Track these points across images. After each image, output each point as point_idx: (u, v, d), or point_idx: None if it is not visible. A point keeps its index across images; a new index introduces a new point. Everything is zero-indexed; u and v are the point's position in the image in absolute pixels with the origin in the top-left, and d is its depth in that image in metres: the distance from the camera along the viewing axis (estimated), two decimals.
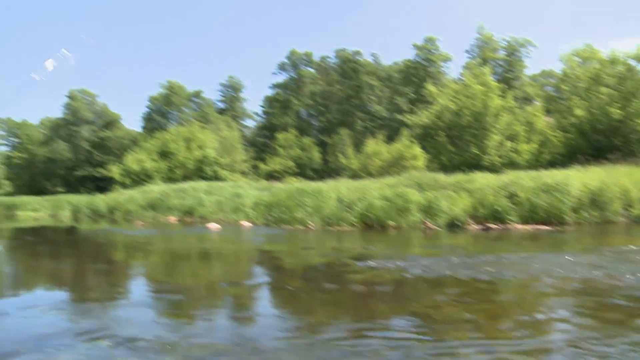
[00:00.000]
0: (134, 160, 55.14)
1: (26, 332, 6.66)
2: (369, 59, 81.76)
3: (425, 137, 43.50)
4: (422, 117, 44.00)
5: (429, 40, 73.67)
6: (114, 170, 55.77)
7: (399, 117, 63.63)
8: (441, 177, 26.41)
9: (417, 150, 43.11)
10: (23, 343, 6.09)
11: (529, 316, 7.26)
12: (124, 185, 51.91)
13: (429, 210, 22.35)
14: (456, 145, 40.12)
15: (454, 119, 40.15)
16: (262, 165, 65.49)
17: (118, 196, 41.70)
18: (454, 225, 21.14)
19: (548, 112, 43.58)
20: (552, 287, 8.89)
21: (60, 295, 10.11)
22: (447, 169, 35.01)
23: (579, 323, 6.82)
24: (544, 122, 41.21)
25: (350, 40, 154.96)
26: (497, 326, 6.81)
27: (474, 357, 5.38)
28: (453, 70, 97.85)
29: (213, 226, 25.27)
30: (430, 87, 44.61)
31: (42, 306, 8.14)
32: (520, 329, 6.60)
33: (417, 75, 72.30)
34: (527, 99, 62.07)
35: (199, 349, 5.83)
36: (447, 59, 75.59)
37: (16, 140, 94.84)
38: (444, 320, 7.10)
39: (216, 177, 52.19)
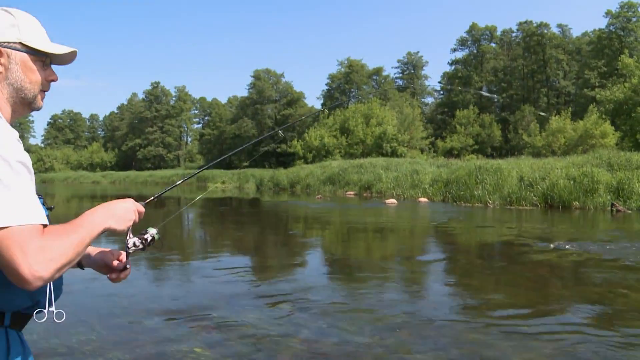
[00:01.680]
0: (315, 136, 57.28)
1: (217, 291, 7.51)
2: (556, 31, 77.08)
3: (618, 114, 40.55)
4: (616, 91, 40.99)
5: (627, 5, 67.18)
6: (297, 146, 58.33)
7: (588, 92, 59.64)
8: (635, 156, 24.64)
9: (608, 127, 40.19)
10: (216, 300, 6.90)
11: None
12: (305, 160, 54.23)
13: (619, 191, 21.01)
14: None
15: None
16: (440, 143, 64.92)
17: (299, 171, 43.77)
18: None
19: None
20: None
21: (244, 260, 11.15)
22: None
23: None
24: None
25: (536, 12, 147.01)
26: None
27: None
28: None
29: (390, 201, 25.73)
30: (627, 59, 41.33)
31: (230, 270, 9.09)
32: None
33: (610, 46, 66.76)
34: None
35: (373, 320, 6.12)
36: None
37: (208, 118, 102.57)
38: (627, 308, 6.74)
39: (394, 154, 52.68)
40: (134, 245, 1.81)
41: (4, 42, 1.54)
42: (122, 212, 1.63)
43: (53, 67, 1.69)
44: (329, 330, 5.62)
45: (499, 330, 5.63)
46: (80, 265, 1.84)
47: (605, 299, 7.20)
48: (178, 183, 2.38)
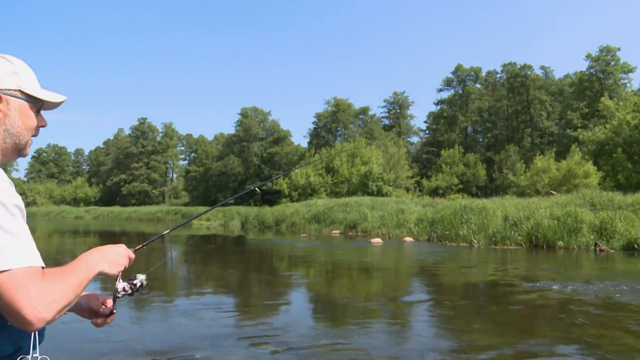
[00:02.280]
0: (301, 174, 57.43)
1: (201, 331, 7.45)
2: (539, 73, 78.58)
3: (600, 154, 41.10)
4: (597, 132, 41.63)
5: (606, 50, 68.58)
6: (282, 184, 58.43)
7: (571, 132, 60.48)
8: (617, 196, 24.91)
9: (590, 167, 40.67)
10: (199, 341, 6.85)
11: None
12: (291, 199, 54.25)
13: (602, 231, 21.17)
14: (635, 162, 37.44)
15: (634, 134, 37.51)
16: (426, 182, 65.27)
17: (284, 209, 43.74)
18: (631, 249, 19.79)
19: None
20: None
21: (228, 300, 11.05)
22: (623, 187, 32.83)
23: None
24: None
25: (519, 54, 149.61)
26: None
27: None
28: (635, 81, 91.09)
29: (376, 241, 25.74)
30: (607, 101, 42.10)
31: (214, 309, 9.05)
32: None
33: (591, 88, 67.94)
34: None
35: (358, 359, 6.12)
36: (628, 70, 70.01)
37: (194, 154, 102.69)
38: (612, 349, 6.77)
39: (380, 193, 52.86)
40: (124, 290, 1.84)
41: (5, 89, 1.58)
42: (114, 257, 1.67)
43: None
44: None
45: None
46: None
47: (591, 339, 7.21)
48: (172, 228, 2.44)
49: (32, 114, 1.64)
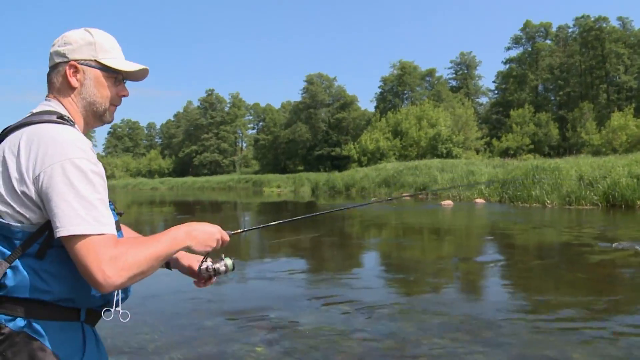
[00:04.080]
0: (369, 139, 57.27)
1: (275, 293, 7.64)
2: (616, 24, 74.82)
3: None
4: None
5: None
6: (351, 149, 58.45)
7: None
8: None
9: None
10: (274, 301, 7.01)
11: None
12: (360, 163, 54.27)
13: None
14: None
15: None
16: (496, 143, 63.89)
17: (354, 174, 43.83)
18: None
19: None
20: None
21: (301, 263, 11.21)
22: None
23: None
24: None
25: (593, 6, 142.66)
26: None
27: None
28: None
29: (446, 203, 25.57)
30: None
31: (287, 272, 9.23)
32: None
33: None
34: None
35: (428, 318, 6.16)
36: None
37: (262, 123, 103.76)
38: None
39: (449, 155, 52.22)
40: (207, 270, 1.90)
41: (81, 60, 1.68)
42: (205, 237, 1.73)
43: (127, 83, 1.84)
44: (387, 330, 5.65)
45: (559, 331, 5.56)
46: (167, 266, 1.97)
47: None
48: (283, 222, 2.43)
49: (108, 83, 1.73)
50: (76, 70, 1.69)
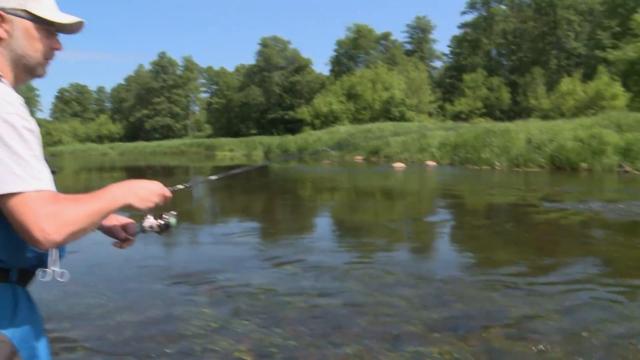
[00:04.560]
0: (323, 102, 57.08)
1: (225, 255, 7.62)
2: None
3: (629, 74, 40.01)
4: (628, 51, 40.42)
5: None
6: (304, 113, 58.23)
7: (599, 53, 58.84)
8: None
9: (618, 88, 39.68)
10: (223, 264, 6.98)
11: None
12: (313, 127, 54.16)
13: (627, 152, 20.90)
14: None
15: None
16: (448, 106, 64.47)
17: (307, 137, 43.84)
18: None
19: None
20: None
21: (252, 225, 11.14)
22: None
23: None
24: None
25: None
26: None
27: None
28: None
29: (398, 165, 25.75)
30: None
31: (238, 234, 9.18)
32: None
33: (624, 5, 65.11)
34: None
35: (378, 277, 6.21)
36: None
37: (215, 87, 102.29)
38: (633, 265, 6.82)
39: (403, 118, 52.48)
40: (150, 227, 1.85)
41: (9, 9, 1.55)
42: (145, 193, 1.66)
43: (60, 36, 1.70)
44: (336, 290, 5.68)
45: (504, 287, 5.68)
46: None
47: (610, 256, 7.29)
48: (221, 176, 2.39)
49: (40, 35, 1.60)
50: (3, 20, 1.56)
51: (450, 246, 8.61)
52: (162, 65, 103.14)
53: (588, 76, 48.76)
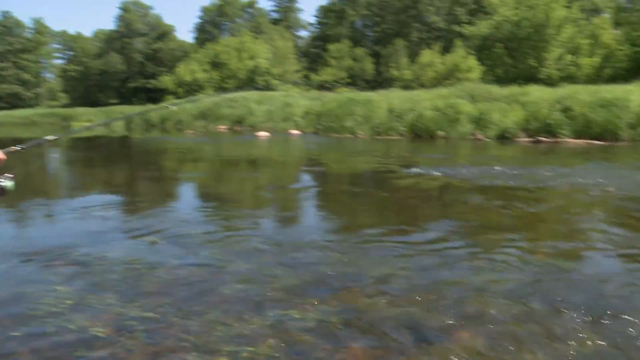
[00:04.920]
0: (186, 71, 55.49)
1: (82, 229, 6.98)
2: None
3: (482, 49, 42.20)
4: (481, 27, 42.56)
5: None
6: (167, 81, 56.35)
7: (457, 28, 61.63)
8: (495, 89, 25.79)
9: (473, 62, 41.80)
10: (79, 238, 6.39)
11: (567, 224, 7.22)
12: (176, 96, 52.54)
13: (479, 121, 22.01)
14: (513, 57, 38.82)
15: (513, 30, 38.68)
16: (313, 76, 64.97)
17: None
18: (504, 138, 20.82)
19: (617, 24, 41.29)
20: (596, 198, 8.76)
21: (113, 198, 10.38)
22: (502, 81, 33.98)
23: (615, 232, 6.70)
24: (610, 35, 39.10)
25: None
26: (534, 231, 6.81)
27: (508, 257, 5.39)
28: None
29: (262, 134, 25.51)
30: None
31: (95, 208, 8.42)
32: (557, 235, 6.57)
33: None
34: (595, 11, 58.76)
35: (242, 244, 6.03)
36: None
37: (71, 53, 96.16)
38: (483, 224, 7.18)
39: (268, 87, 52.17)
40: None
41: None
42: None
43: None
44: (198, 258, 5.51)
45: (364, 250, 5.77)
46: None
47: (463, 217, 7.58)
48: (62, 135, 2.05)
49: None
50: None
51: (313, 212, 8.59)
52: (7, 27, 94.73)
53: (446, 49, 50.89)
